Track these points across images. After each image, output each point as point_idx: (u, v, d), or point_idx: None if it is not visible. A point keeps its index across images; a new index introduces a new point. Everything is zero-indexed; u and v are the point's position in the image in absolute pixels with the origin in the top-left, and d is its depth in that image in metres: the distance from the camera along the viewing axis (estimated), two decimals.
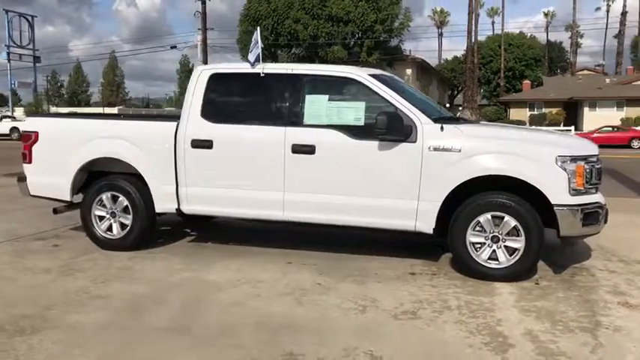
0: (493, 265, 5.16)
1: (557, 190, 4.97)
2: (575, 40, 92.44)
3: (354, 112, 5.51)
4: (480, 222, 5.14)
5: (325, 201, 5.48)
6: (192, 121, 5.80)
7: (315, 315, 4.37)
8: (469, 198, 5.19)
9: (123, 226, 6.13)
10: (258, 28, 6.10)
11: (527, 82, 56.55)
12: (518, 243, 5.07)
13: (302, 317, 4.32)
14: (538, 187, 4.98)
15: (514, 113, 48.11)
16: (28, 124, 6.49)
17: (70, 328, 4.06)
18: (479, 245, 5.18)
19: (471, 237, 5.18)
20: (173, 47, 43.16)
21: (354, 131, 5.41)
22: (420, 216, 5.26)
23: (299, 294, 4.83)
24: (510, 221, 5.06)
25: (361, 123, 5.45)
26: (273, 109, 5.72)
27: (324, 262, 5.74)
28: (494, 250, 5.15)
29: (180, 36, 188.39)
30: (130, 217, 6.06)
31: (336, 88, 5.69)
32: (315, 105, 5.59)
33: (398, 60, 41.35)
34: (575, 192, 5.03)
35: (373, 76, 5.61)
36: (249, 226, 7.27)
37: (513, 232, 5.08)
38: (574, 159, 5.06)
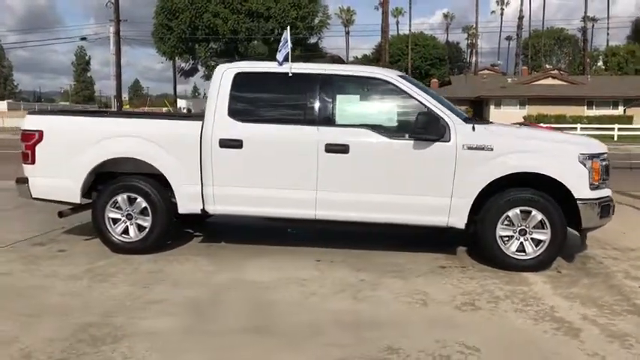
0: (521, 256, 5.51)
1: (579, 185, 5.41)
2: (474, 41, 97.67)
3: (386, 112, 5.68)
4: (509, 216, 5.48)
5: (359, 199, 5.60)
6: (219, 120, 5.71)
7: (382, 310, 4.50)
8: (496, 194, 5.50)
9: (140, 228, 5.92)
10: (288, 27, 6.08)
11: (435, 80, 58.94)
12: (544, 235, 5.46)
13: (371, 313, 4.44)
14: (563, 182, 5.39)
15: None
16: (30, 122, 6.07)
17: (150, 334, 3.93)
18: (507, 238, 5.52)
19: (501, 231, 5.50)
20: (83, 39, 41.00)
21: (386, 130, 5.57)
22: (453, 212, 5.52)
23: (352, 291, 4.93)
24: (537, 215, 5.44)
25: (394, 123, 5.62)
26: (303, 108, 5.73)
27: (350, 260, 5.86)
28: (521, 243, 5.51)
29: (76, 28, 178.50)
30: (149, 218, 5.86)
31: (366, 88, 5.81)
32: (347, 105, 5.70)
33: (317, 57, 41.76)
34: (593, 187, 5.49)
35: (401, 77, 5.80)
36: (251, 225, 7.24)
37: (539, 225, 5.47)
38: (591, 156, 5.51)
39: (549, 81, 48.03)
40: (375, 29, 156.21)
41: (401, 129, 5.55)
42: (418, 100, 5.59)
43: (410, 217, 5.62)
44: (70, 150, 5.91)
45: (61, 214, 6.21)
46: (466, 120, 5.61)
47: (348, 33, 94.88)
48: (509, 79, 52.23)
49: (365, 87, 5.82)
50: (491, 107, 46.25)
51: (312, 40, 40.72)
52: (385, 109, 5.69)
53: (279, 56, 5.77)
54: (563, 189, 5.43)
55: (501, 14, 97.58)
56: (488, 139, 5.46)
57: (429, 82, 61.20)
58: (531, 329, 4.17)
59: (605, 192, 5.63)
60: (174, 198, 5.86)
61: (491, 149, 5.42)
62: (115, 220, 5.94)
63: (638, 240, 6.90)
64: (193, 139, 5.74)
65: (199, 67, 41.82)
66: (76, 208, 6.22)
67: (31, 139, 5.96)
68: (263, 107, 5.90)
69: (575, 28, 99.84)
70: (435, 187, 5.52)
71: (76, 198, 5.98)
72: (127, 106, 42.49)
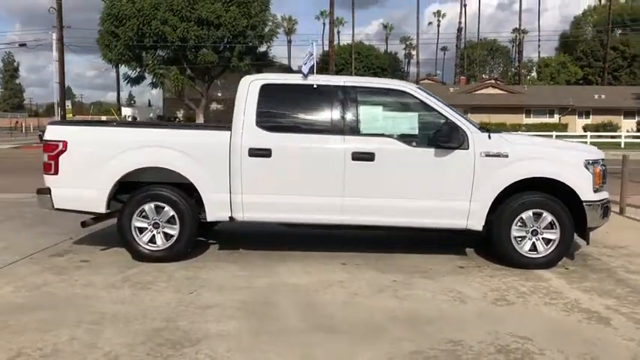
0: (533, 255, 5.96)
1: (585, 189, 5.91)
2: (411, 52, 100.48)
3: (408, 122, 6.02)
4: (522, 218, 5.92)
5: (383, 204, 5.91)
6: (248, 130, 5.89)
7: (427, 307, 4.81)
8: (510, 197, 5.93)
9: (167, 236, 6.01)
10: (314, 42, 6.32)
11: None
12: (554, 235, 5.93)
13: (419, 310, 4.74)
14: (571, 186, 5.88)
15: None
16: (53, 132, 6.05)
17: (222, 337, 4.08)
18: (520, 238, 5.96)
19: (515, 232, 5.94)
20: (22, 45, 39.50)
21: (409, 139, 5.91)
22: (472, 215, 5.91)
23: (390, 291, 5.22)
24: (548, 217, 5.91)
25: (415, 132, 5.97)
26: (329, 119, 5.99)
27: (371, 262, 6.16)
28: (533, 242, 5.96)
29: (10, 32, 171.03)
30: (177, 227, 5.97)
31: (388, 99, 6.13)
32: (371, 115, 6.01)
33: (268, 66, 41.96)
34: (595, 190, 6.01)
35: (420, 88, 6.16)
36: (258, 232, 7.41)
37: (549, 226, 5.93)
38: (593, 162, 6.04)
39: (490, 90, 50.07)
40: (315, 38, 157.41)
41: (422, 137, 5.91)
42: (436, 110, 5.97)
43: (431, 221, 5.98)
44: (96, 160, 5.94)
45: (84, 224, 6.22)
46: (480, 129, 6.02)
47: (290, 42, 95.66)
48: (452, 89, 54.02)
49: (386, 98, 6.13)
50: None
51: (262, 49, 40.85)
52: (406, 119, 6.03)
53: (305, 69, 6.03)
54: (568, 192, 5.91)
55: (438, 25, 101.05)
56: (503, 146, 5.89)
57: None
58: (566, 319, 4.58)
59: (605, 194, 6.16)
60: (203, 206, 5.99)
61: (507, 156, 5.85)
62: (141, 229, 6.00)
63: (623, 238, 7.52)
64: (223, 148, 5.89)
65: (146, 74, 41.04)
66: (98, 217, 6.24)
67: (55, 149, 5.95)
68: (290, 118, 6.11)
69: (506, 39, 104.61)
70: (455, 191, 5.89)
71: (102, 208, 6.01)
72: (71, 115, 41.21)
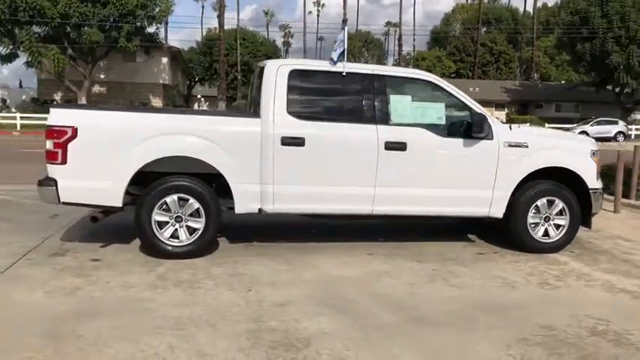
0: (546, 240, 6.31)
1: (591, 177, 6.35)
2: (288, 39, 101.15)
3: (435, 112, 6.08)
4: (537, 205, 6.24)
5: (413, 194, 5.94)
6: (280, 118, 5.63)
7: (487, 294, 4.94)
8: (526, 186, 6.21)
9: (191, 230, 5.60)
10: (346, 28, 6.09)
11: None
12: (564, 220, 6.32)
13: (484, 297, 4.85)
14: (581, 175, 6.29)
15: None
16: (60, 117, 5.35)
17: (331, 335, 3.91)
18: (534, 225, 6.28)
19: (531, 219, 6.24)
20: None
21: (438, 129, 5.98)
22: (494, 203, 6.12)
23: (439, 279, 5.27)
24: (559, 204, 6.27)
25: (443, 122, 6.05)
26: (360, 107, 5.88)
27: (396, 251, 6.14)
28: (545, 228, 6.31)
29: None
30: (202, 220, 5.57)
31: (414, 88, 6.14)
32: (400, 104, 5.99)
33: (157, 48, 40.13)
34: (597, 179, 6.48)
35: (442, 79, 6.25)
36: (256, 224, 7.12)
37: (559, 213, 6.31)
38: (594, 152, 6.50)
39: None
40: (189, 21, 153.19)
41: (449, 127, 6.00)
42: (461, 101, 6.10)
43: (457, 209, 6.12)
44: (113, 148, 5.38)
45: (95, 219, 5.60)
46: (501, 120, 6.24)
47: (167, 23, 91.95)
48: None
49: (412, 87, 6.14)
50: None
51: (151, 30, 38.92)
52: (434, 109, 6.08)
53: (334, 55, 5.86)
54: (575, 180, 6.31)
55: (318, 15, 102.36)
56: (523, 137, 6.15)
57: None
58: (614, 299, 4.92)
59: (600, 183, 6.66)
60: (230, 198, 5.65)
61: (527, 146, 6.12)
62: (162, 224, 5.54)
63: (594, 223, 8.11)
64: (254, 136, 5.59)
65: (20, 52, 37.46)
66: (109, 211, 5.66)
67: (62, 135, 5.29)
68: (321, 106, 5.93)
69: (380, 32, 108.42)
70: (480, 180, 6.07)
71: (118, 201, 5.46)
72: None
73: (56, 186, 5.34)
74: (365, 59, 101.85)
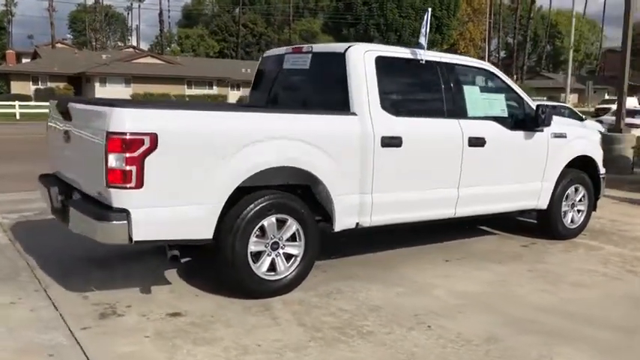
0: (572, 226, 6.55)
1: (601, 163, 6.74)
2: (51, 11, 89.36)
3: (499, 104, 5.78)
4: (568, 194, 6.41)
5: (489, 192, 5.60)
6: (376, 114, 4.76)
7: (607, 289, 4.92)
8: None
9: (286, 258, 4.47)
10: (430, 9, 5.22)
11: (10, 52, 52.03)
12: (584, 206, 6.62)
13: (609, 294, 4.79)
14: (597, 162, 6.63)
15: (16, 87, 43.80)
16: (130, 119, 3.68)
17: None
18: (564, 212, 6.45)
19: (563, 207, 6.39)
20: None
21: (504, 122, 5.71)
22: (542, 195, 6.12)
23: (541, 280, 5.07)
24: (582, 190, 6.54)
25: (505, 114, 5.79)
26: (441, 100, 5.27)
27: (456, 254, 5.76)
28: (572, 215, 6.53)
29: None
30: (301, 244, 4.48)
31: (479, 79, 5.74)
32: (473, 96, 5.55)
33: None
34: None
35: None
36: None
37: (582, 199, 6.58)
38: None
39: (149, 60, 48.61)
40: None
41: (512, 119, 5.77)
42: (515, 91, 5.92)
43: (519, 204, 5.97)
44: (205, 161, 3.96)
45: (177, 258, 4.07)
46: None
47: None
48: (104, 56, 50.37)
49: (477, 78, 5.74)
50: (97, 85, 44.08)
51: None
52: (497, 101, 5.75)
53: (423, 40, 5.16)
54: (591, 166, 6.63)
55: None
56: (562, 127, 6.23)
57: (3, 54, 53.74)
58: None
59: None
60: (326, 213, 4.64)
61: (566, 136, 6.22)
62: (256, 255, 4.30)
63: None
64: (356, 138, 4.64)
65: None
66: (188, 246, 4.18)
67: (137, 147, 3.70)
68: (408, 98, 5.21)
69: (122, 7, 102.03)
70: (535, 173, 6.00)
71: (209, 231, 4.06)
72: None
73: (128, 219, 3.73)
74: (106, 33, 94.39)
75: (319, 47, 5.26)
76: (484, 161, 5.49)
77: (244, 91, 51.71)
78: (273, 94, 5.79)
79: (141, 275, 4.78)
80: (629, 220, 7.65)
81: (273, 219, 4.30)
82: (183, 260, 4.13)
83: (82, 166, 4.22)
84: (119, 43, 79.22)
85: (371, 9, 47.01)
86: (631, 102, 27.10)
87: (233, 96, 51.05)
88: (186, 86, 47.48)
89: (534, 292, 4.76)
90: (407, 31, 46.18)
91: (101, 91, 43.30)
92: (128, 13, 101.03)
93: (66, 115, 4.40)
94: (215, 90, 48.66)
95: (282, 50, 5.64)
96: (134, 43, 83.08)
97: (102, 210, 3.77)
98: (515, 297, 4.64)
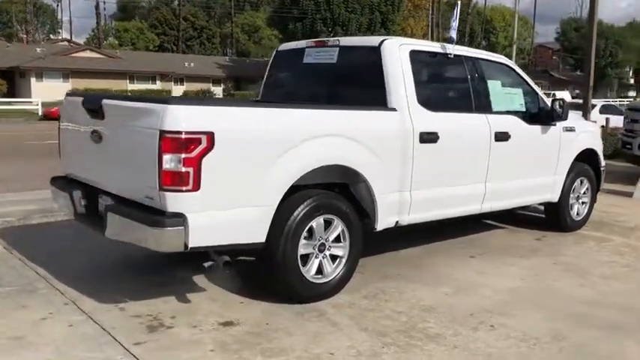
0: (577, 218, 6.66)
1: (601, 156, 6.89)
2: None
3: (518, 98, 5.77)
4: (575, 187, 6.51)
5: (511, 187, 5.60)
6: (414, 109, 4.64)
7: (630, 285, 4.95)
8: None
9: (333, 260, 4.30)
10: (459, 2, 5.09)
11: None
12: (587, 198, 6.74)
13: (627, 291, 4.82)
14: (599, 154, 6.76)
15: None
16: (185, 117, 3.40)
17: None
18: (571, 205, 6.55)
19: (571, 200, 6.49)
20: None
21: (524, 116, 5.72)
22: (554, 188, 6.18)
23: (571, 275, 5.07)
24: (586, 183, 6.67)
25: (524, 109, 5.80)
26: (469, 94, 5.22)
27: (477, 249, 5.73)
28: (577, 207, 6.64)
29: None
30: (346, 244, 4.31)
31: (499, 73, 5.69)
32: (496, 90, 5.52)
33: None
34: None
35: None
36: None
37: (585, 191, 6.70)
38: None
39: (88, 54, 46.73)
40: None
41: (529, 114, 5.78)
42: (530, 85, 5.94)
43: (535, 198, 6.03)
44: (261, 160, 3.73)
45: (229, 264, 3.81)
46: None
47: None
48: (39, 49, 47.98)
49: (496, 72, 5.67)
50: (32, 80, 41.98)
51: None
52: (517, 95, 5.74)
53: (453, 33, 5.07)
54: (593, 159, 6.77)
55: None
56: (572, 121, 6.30)
57: None
58: None
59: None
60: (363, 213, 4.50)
61: (574, 130, 6.31)
62: (304, 257, 4.11)
63: None
64: (397, 134, 4.51)
65: None
66: (237, 251, 3.94)
67: (194, 147, 3.44)
68: (441, 93, 5.15)
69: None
70: (551, 166, 6.06)
71: (262, 234, 3.83)
72: None
73: (185, 225, 3.46)
74: (33, 25, 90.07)
75: (347, 40, 5.10)
76: (508, 156, 5.48)
77: (188, 86, 50.59)
78: (291, 89, 5.58)
79: (168, 282, 4.49)
80: (621, 210, 7.87)
81: (321, 220, 4.12)
82: (230, 268, 3.87)
83: (119, 169, 3.89)
84: (51, 36, 75.62)
85: (317, 3, 46.80)
86: (564, 96, 28.25)
87: (177, 91, 49.82)
88: (128, 81, 45.97)
89: (571, 285, 4.78)
90: (353, 25, 46.29)
91: (38, 86, 41.33)
92: (57, 5, 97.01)
93: (96, 113, 4.04)
94: (158, 85, 47.40)
95: (301, 44, 5.43)
96: (66, 36, 79.75)
97: (154, 215, 3.48)
98: (555, 291, 4.64)
